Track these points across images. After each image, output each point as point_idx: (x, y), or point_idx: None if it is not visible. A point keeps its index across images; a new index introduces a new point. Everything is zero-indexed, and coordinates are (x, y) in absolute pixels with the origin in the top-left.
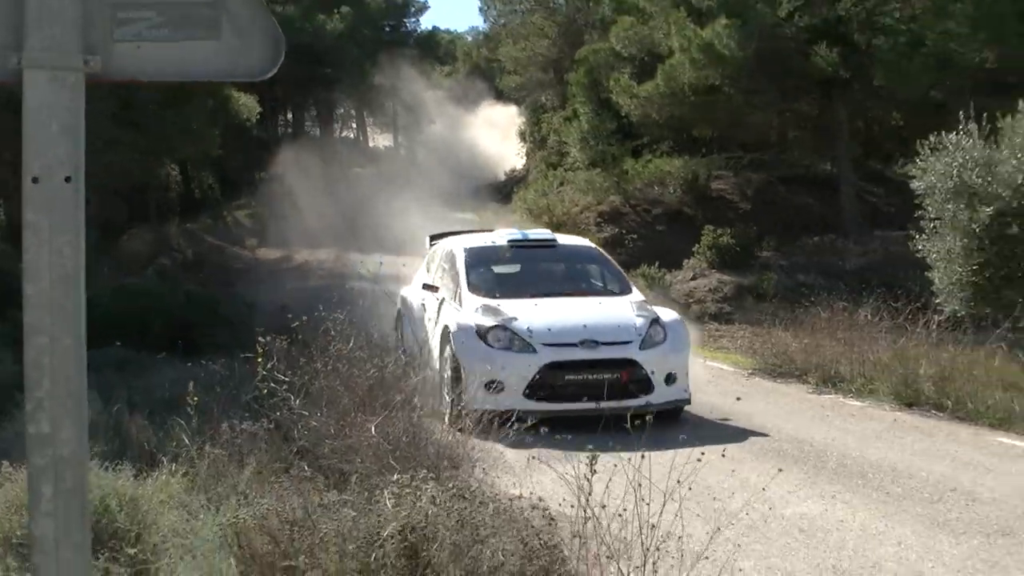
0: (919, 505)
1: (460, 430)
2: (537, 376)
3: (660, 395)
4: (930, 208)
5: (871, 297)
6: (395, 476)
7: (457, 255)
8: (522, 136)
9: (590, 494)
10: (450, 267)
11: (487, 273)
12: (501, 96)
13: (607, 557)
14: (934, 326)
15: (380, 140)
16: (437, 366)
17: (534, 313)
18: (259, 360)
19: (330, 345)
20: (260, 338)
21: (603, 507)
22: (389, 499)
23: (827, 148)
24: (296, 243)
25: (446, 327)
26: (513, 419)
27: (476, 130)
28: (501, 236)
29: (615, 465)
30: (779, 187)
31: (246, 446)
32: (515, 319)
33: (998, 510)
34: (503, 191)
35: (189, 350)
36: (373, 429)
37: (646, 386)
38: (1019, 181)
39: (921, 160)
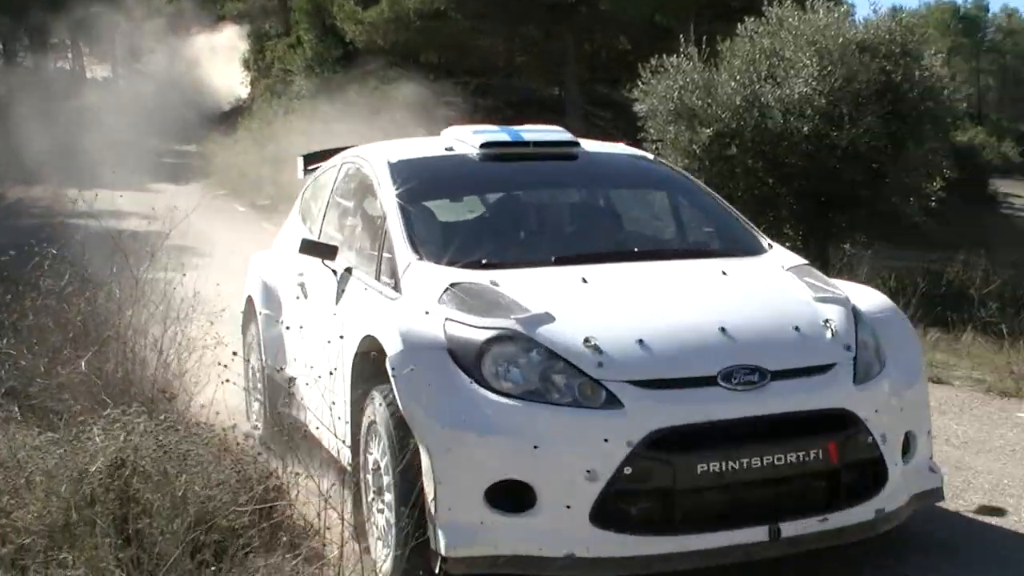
0: None
1: None
2: (627, 469)
3: (900, 486)
4: (652, 130)
5: None
6: (106, 411)
7: (378, 179)
8: (246, 64)
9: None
10: (357, 204)
11: (448, 214)
12: (224, 23)
13: (306, 477)
14: None
15: (98, 71)
16: (348, 444)
17: (589, 302)
18: None
19: (40, 281)
20: None
21: (296, 427)
22: (98, 435)
23: (555, 73)
24: (9, 180)
25: (368, 341)
26: None
27: (199, 59)
28: (463, 137)
29: (318, 377)
30: (507, 112)
31: None
32: (548, 318)
33: None
34: (228, 121)
35: None
36: (84, 365)
37: (877, 471)
38: (737, 103)
39: (643, 83)
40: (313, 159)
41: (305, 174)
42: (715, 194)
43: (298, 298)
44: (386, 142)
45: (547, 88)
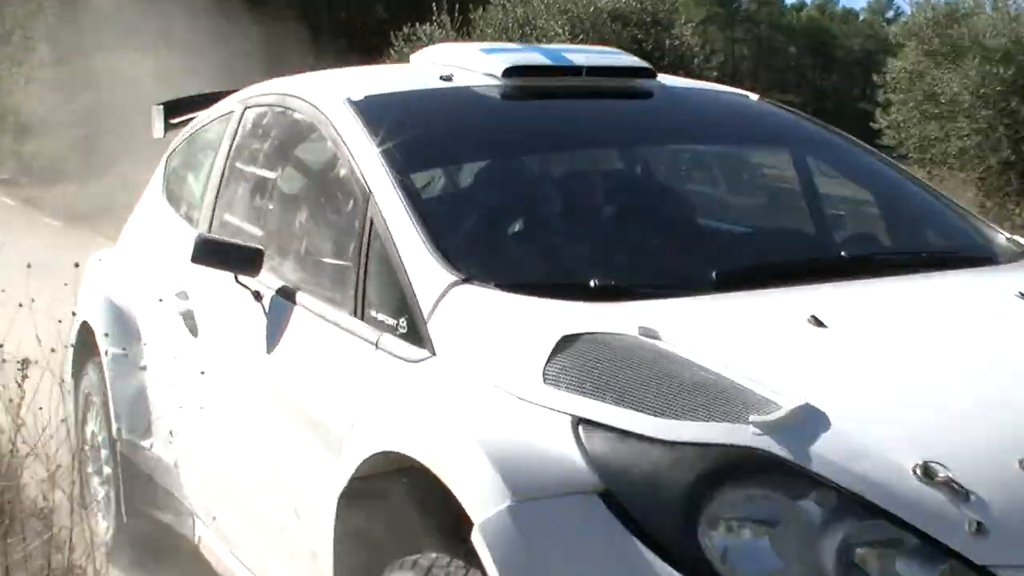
0: None
1: None
2: None
3: None
4: None
5: None
6: None
7: (335, 129)
8: None
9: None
10: (289, 174)
11: (479, 189)
12: None
13: (34, 457)
14: None
15: None
16: None
17: (867, 373)
18: None
19: None
20: None
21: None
22: None
23: (311, 45)
24: None
25: (381, 460)
26: None
27: None
28: (467, 61)
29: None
30: (262, 80)
31: None
32: (821, 420)
33: None
34: None
35: None
36: None
37: None
38: None
39: (395, 52)
40: (181, 108)
41: (166, 132)
42: (876, 151)
43: (181, 335)
44: (328, 71)
45: (303, 59)
